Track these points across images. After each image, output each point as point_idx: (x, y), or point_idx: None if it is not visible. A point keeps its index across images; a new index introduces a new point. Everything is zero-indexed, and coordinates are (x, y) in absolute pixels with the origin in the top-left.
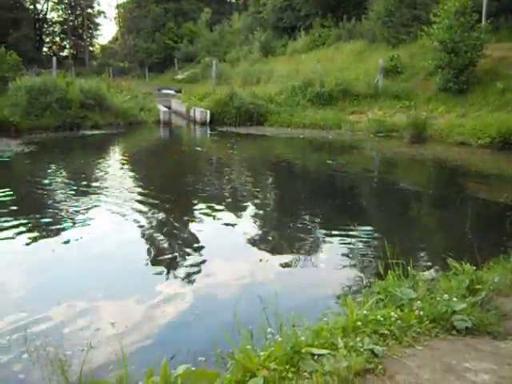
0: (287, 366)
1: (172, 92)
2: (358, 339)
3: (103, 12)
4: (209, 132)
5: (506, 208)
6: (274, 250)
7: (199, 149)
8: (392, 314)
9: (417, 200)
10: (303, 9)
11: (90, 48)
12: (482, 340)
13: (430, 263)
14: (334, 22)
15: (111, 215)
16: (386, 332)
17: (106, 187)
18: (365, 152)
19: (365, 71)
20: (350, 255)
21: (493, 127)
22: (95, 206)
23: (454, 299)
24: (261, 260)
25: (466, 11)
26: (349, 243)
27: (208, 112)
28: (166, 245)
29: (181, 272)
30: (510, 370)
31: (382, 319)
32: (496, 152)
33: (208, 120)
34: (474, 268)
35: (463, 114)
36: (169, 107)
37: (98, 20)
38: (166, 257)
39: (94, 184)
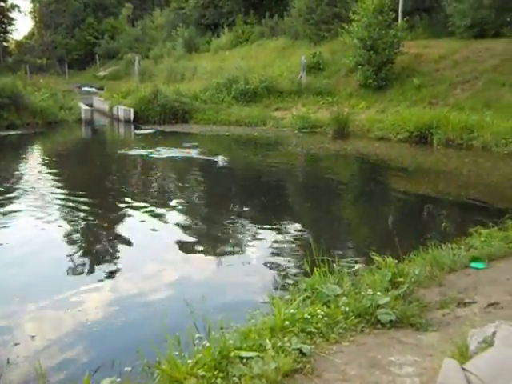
0: (216, 372)
1: (94, 90)
2: (285, 339)
3: (17, 6)
4: (133, 130)
5: (424, 200)
6: (201, 250)
7: (122, 147)
8: (319, 311)
9: (341, 195)
10: (226, 6)
11: (4, 44)
12: (406, 332)
13: (354, 258)
14: (257, 19)
15: (30, 218)
16: (314, 330)
17: (25, 190)
18: (290, 148)
19: (288, 68)
20: (277, 253)
21: (410, 122)
22: (14, 210)
23: (378, 293)
24: (187, 261)
25: (384, 9)
26: (275, 241)
27: (132, 110)
28: (88, 248)
29: (104, 276)
30: (431, 361)
31: (309, 317)
32: (414, 146)
33: (132, 118)
34: (396, 261)
35: (383, 110)
36: (91, 105)
37: (11, 14)
38: (89, 261)
39: (12, 186)
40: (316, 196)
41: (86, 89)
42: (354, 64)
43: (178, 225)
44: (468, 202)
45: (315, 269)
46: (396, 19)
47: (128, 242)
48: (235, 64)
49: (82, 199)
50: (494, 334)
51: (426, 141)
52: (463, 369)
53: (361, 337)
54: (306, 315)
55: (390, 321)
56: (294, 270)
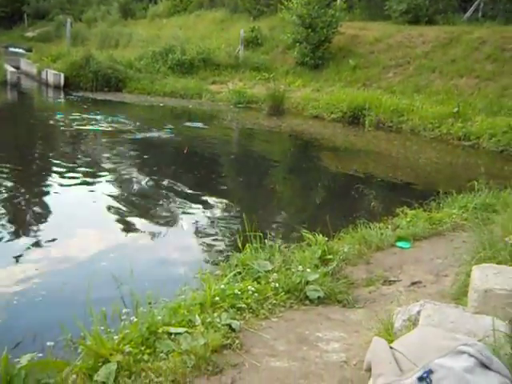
0: (143, 348)
1: (21, 51)
2: (215, 315)
3: None
4: (62, 97)
5: (354, 179)
6: (130, 224)
7: (51, 115)
8: (249, 287)
9: (274, 172)
10: None
11: None
12: (333, 309)
13: (286, 234)
14: None
15: None
16: (244, 306)
17: None
18: (225, 123)
19: (226, 41)
20: (209, 228)
21: (344, 102)
22: None
23: (308, 270)
24: (115, 234)
25: None
26: (208, 216)
27: (62, 75)
28: (11, 218)
29: (26, 247)
30: (357, 337)
31: (239, 293)
32: (347, 126)
33: (62, 84)
34: (326, 239)
35: (318, 89)
36: (17, 68)
37: None
38: (10, 231)
39: None
40: (249, 172)
41: (13, 49)
42: (292, 41)
43: (106, 197)
44: (396, 183)
45: (247, 245)
46: None
47: (53, 213)
48: (172, 33)
49: (3, 165)
50: (418, 312)
51: (358, 121)
52: (391, 347)
53: (290, 313)
54: (236, 291)
55: (318, 297)
56: (226, 246)
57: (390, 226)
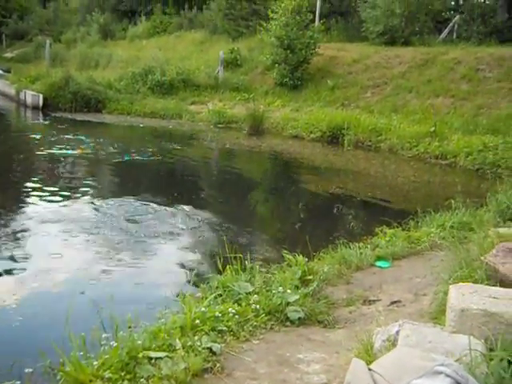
0: (123, 374)
1: None
2: (196, 338)
3: None
4: (41, 118)
5: (334, 199)
6: (109, 247)
7: (29, 135)
8: (230, 309)
9: (254, 192)
10: None
11: None
12: (314, 329)
13: (266, 255)
14: (176, 10)
15: None
16: (224, 328)
17: None
18: (205, 143)
19: (206, 62)
20: (189, 250)
21: (323, 122)
22: None
23: (288, 291)
24: (94, 257)
25: (302, 10)
26: (188, 237)
27: (41, 96)
28: None
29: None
30: (338, 358)
31: (220, 315)
32: (326, 145)
33: (41, 104)
34: (306, 259)
35: (297, 109)
36: None
37: None
38: None
39: None
40: (229, 192)
41: None
42: (271, 62)
43: (83, 220)
44: (375, 202)
45: (227, 266)
46: (313, 21)
47: (29, 235)
48: (152, 54)
49: None
50: (397, 332)
51: (337, 141)
52: (369, 369)
53: (271, 334)
54: (217, 313)
55: (299, 318)
56: (206, 268)
57: (369, 246)
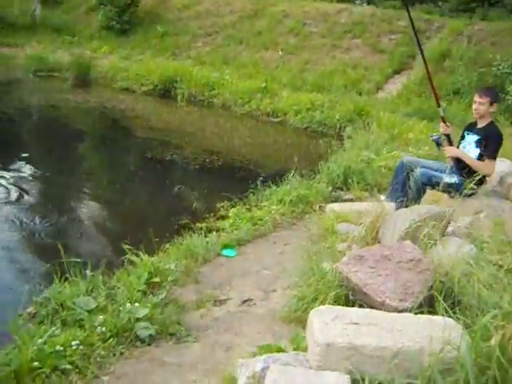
0: None
1: None
2: None
3: None
4: None
5: (174, 169)
6: None
7: None
8: (73, 342)
9: (81, 165)
10: None
11: None
12: (167, 347)
13: (107, 256)
14: None
15: None
16: (68, 366)
17: None
18: (25, 97)
19: None
20: (16, 253)
21: (155, 74)
22: None
23: (136, 304)
24: None
25: None
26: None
27: None
28: None
29: None
30: None
31: (61, 349)
32: (159, 100)
33: None
34: (152, 257)
35: (126, 57)
36: None
37: None
38: None
39: None
40: (52, 168)
41: None
42: (96, 2)
43: None
44: (214, 171)
45: (63, 277)
46: None
47: None
48: None
49: None
50: (262, 370)
51: (170, 95)
52: None
53: (121, 364)
54: (58, 347)
55: (150, 335)
56: (36, 277)
57: (214, 233)
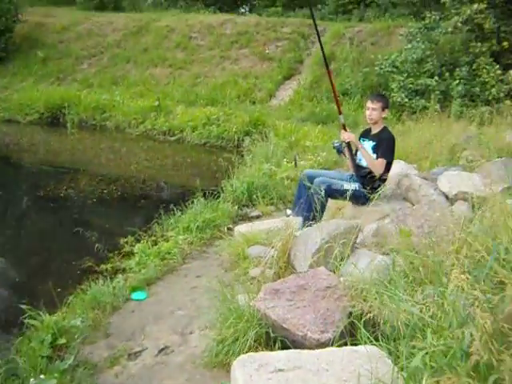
0: None
1: None
2: None
3: None
4: None
5: (69, 206)
6: None
7: None
8: None
9: None
10: None
11: None
12: None
13: (3, 322)
14: None
15: None
16: None
17: None
18: None
19: None
20: None
21: (40, 101)
22: None
23: (42, 376)
24: None
25: None
26: None
27: None
28: None
29: None
30: None
31: None
32: (47, 129)
33: None
34: (55, 315)
35: (6, 86)
36: None
37: None
38: None
39: None
40: None
41: None
42: None
43: None
44: (113, 203)
45: None
46: None
47: None
48: None
49: None
50: None
51: (59, 122)
52: None
53: None
54: None
55: None
56: None
57: (120, 275)
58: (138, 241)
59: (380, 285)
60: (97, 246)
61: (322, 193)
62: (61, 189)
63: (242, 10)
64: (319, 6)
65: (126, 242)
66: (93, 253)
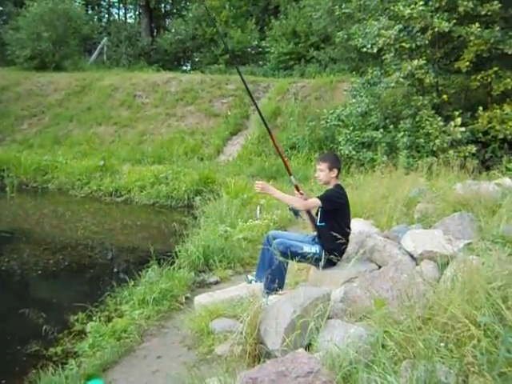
0: None
1: None
2: None
3: None
4: None
5: (11, 284)
6: None
7: None
8: None
9: None
10: None
11: None
12: None
13: None
14: None
15: None
16: None
17: None
18: None
19: None
20: None
21: None
22: None
23: None
24: None
25: None
26: None
27: None
28: None
29: None
30: None
31: None
32: None
33: None
34: None
35: None
36: None
37: None
38: None
39: None
40: None
41: None
42: None
43: None
44: (61, 275)
45: None
46: None
47: None
48: None
49: None
50: None
51: None
52: None
53: None
54: None
55: None
56: None
57: (74, 361)
58: (90, 317)
59: (368, 368)
60: (44, 327)
61: (278, 254)
62: (1, 261)
63: (184, 68)
64: (260, 63)
65: (77, 320)
66: (40, 334)
